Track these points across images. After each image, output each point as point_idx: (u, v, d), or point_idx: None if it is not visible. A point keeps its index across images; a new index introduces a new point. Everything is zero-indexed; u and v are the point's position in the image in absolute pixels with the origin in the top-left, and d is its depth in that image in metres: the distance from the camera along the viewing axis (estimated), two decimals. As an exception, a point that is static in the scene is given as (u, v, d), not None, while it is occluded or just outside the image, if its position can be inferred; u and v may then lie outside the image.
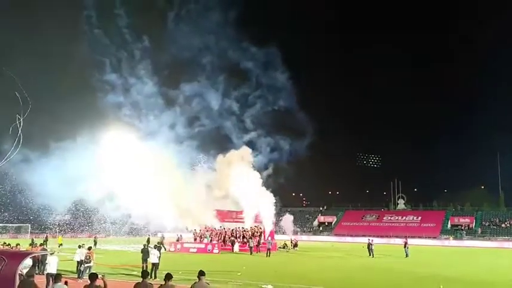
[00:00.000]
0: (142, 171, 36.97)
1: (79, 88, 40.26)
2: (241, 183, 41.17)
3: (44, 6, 39.77)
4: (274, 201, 43.38)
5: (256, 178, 42.77)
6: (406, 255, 32.63)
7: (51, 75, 39.28)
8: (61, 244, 37.41)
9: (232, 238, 37.54)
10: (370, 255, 32.29)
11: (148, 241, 31.94)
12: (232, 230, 39.43)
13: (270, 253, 32.75)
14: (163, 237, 39.56)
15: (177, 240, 38.07)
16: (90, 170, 34.10)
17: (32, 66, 34.57)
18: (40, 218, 55.17)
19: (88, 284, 8.74)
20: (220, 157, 46.01)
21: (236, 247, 36.12)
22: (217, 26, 48.19)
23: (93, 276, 8.81)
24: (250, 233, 38.25)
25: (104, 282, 8.94)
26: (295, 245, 41.63)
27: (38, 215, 53.72)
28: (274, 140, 50.12)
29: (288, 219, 59.25)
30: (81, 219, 52.33)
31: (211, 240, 37.26)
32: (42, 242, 30.14)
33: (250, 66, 50.19)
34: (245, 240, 37.24)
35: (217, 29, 48.43)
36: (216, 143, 47.51)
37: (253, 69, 50.68)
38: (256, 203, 41.16)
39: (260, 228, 39.79)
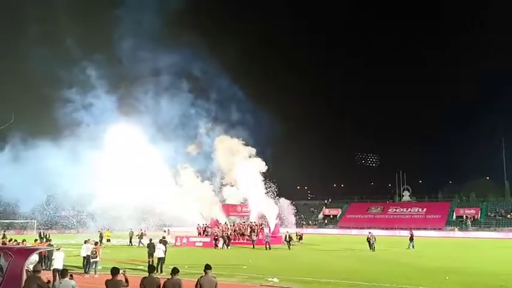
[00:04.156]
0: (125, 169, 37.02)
1: (33, 101, 40.51)
2: (247, 178, 41.04)
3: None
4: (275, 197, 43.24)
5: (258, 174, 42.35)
6: (412, 247, 32.59)
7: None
8: (109, 239, 37.96)
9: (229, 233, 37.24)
10: (370, 249, 31.31)
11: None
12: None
13: (269, 247, 32.68)
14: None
15: (141, 235, 35.88)
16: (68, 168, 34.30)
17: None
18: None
19: (110, 278, 8.71)
20: (221, 138, 44.58)
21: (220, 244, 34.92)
22: (163, 35, 47.01)
23: (114, 271, 8.74)
24: (250, 228, 37.90)
25: (125, 277, 8.97)
26: (300, 238, 41.77)
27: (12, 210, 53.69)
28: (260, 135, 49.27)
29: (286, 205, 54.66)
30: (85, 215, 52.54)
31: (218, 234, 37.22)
32: (36, 239, 30.30)
33: (206, 72, 49.49)
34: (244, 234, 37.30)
35: (164, 37, 47.28)
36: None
37: (209, 75, 50.03)
38: (260, 200, 40.91)
39: (261, 223, 39.68)
